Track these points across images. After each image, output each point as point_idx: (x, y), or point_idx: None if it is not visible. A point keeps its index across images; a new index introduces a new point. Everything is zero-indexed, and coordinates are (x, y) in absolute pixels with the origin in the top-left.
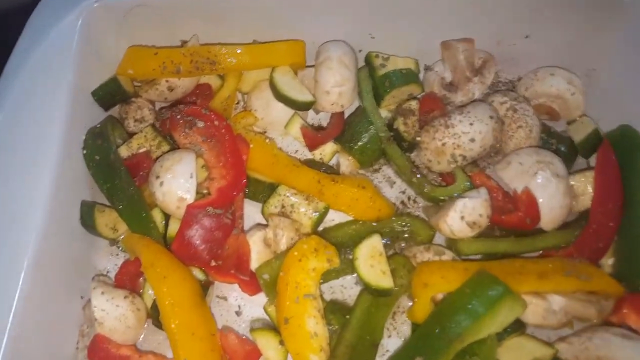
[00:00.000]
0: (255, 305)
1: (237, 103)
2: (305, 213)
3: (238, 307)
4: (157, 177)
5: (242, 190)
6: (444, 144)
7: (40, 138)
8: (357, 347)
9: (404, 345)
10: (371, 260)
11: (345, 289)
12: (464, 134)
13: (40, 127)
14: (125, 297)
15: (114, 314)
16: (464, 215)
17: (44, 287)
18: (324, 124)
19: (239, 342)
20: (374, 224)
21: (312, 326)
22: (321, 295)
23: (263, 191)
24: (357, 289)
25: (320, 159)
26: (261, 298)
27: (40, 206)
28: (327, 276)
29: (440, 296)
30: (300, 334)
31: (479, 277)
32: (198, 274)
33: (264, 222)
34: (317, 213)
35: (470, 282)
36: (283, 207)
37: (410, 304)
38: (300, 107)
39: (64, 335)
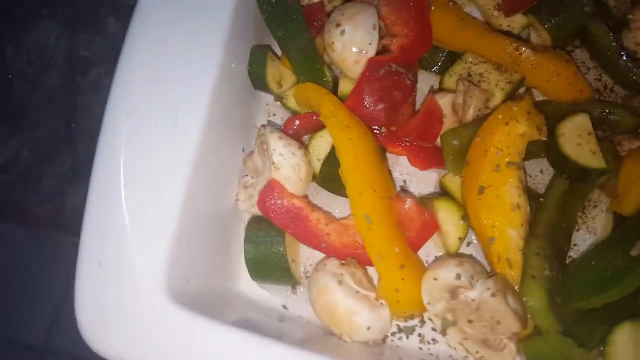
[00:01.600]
0: (422, 182)
1: None
2: (497, 84)
3: (404, 182)
4: (338, 25)
5: (427, 49)
6: None
7: None
8: (554, 229)
9: (619, 231)
10: (578, 139)
11: (530, 177)
12: None
13: None
14: (300, 147)
15: (290, 161)
16: None
17: (215, 134)
18: None
19: (418, 210)
20: (571, 107)
21: (514, 197)
22: (523, 167)
23: (439, 59)
24: (542, 178)
25: (509, 29)
26: (430, 174)
27: (213, 51)
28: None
29: None
30: (500, 205)
31: None
32: None
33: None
34: (511, 84)
35: None
36: (470, 75)
37: (603, 198)
38: None
39: (228, 185)
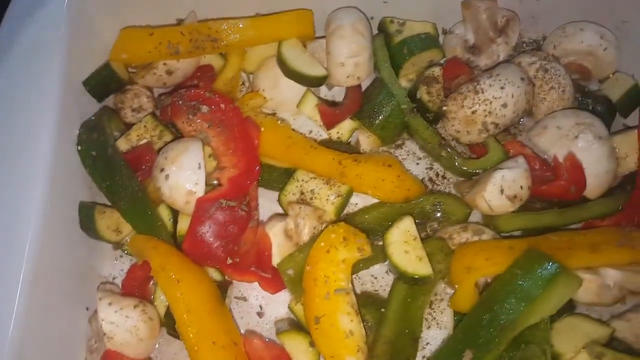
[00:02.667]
0: (278, 304)
1: (242, 84)
2: (327, 198)
3: (260, 307)
4: (162, 169)
5: (256, 179)
6: (474, 112)
7: (30, 136)
8: (396, 342)
9: (450, 338)
10: (405, 246)
11: (376, 279)
12: (495, 100)
13: (29, 123)
14: (135, 306)
15: (124, 326)
16: (504, 188)
17: (44, 300)
18: (338, 100)
19: (265, 347)
20: (403, 205)
21: (347, 324)
22: (353, 289)
23: (278, 178)
24: (389, 279)
25: (338, 138)
26: (284, 295)
27: (34, 211)
28: (355, 267)
29: (482, 280)
30: (334, 334)
31: (528, 255)
32: (214, 274)
33: (280, 211)
34: (340, 197)
35: (519, 262)
36: (302, 193)
37: (449, 290)
38: (312, 82)
39: (71, 352)
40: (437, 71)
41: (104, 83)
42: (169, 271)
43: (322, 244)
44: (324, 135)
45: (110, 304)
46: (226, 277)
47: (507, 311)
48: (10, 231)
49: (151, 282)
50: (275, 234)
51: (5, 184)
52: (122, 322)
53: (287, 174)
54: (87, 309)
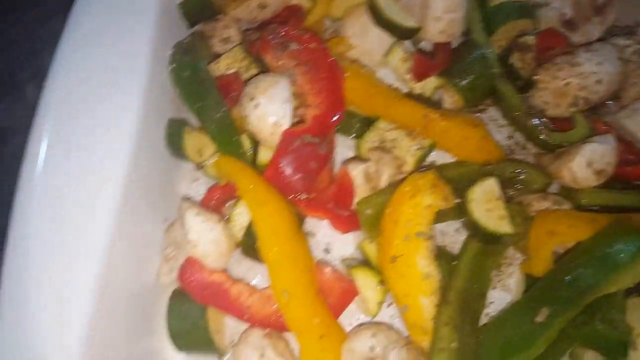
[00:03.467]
0: (345, 244)
1: (324, 31)
2: (409, 149)
3: (326, 244)
4: (252, 99)
5: (340, 120)
6: (567, 84)
7: (127, 52)
8: (466, 294)
9: (526, 296)
10: (487, 204)
11: (445, 236)
12: (591, 74)
13: (127, 40)
14: (219, 220)
15: (208, 237)
16: (592, 161)
17: (132, 209)
18: None
19: (336, 278)
20: (483, 167)
21: (424, 267)
22: (433, 237)
23: (355, 125)
24: (458, 237)
25: (421, 93)
26: (352, 236)
27: (129, 124)
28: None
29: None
30: (411, 275)
31: (617, 226)
32: None
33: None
34: (422, 150)
35: (607, 231)
36: (382, 142)
37: (518, 255)
38: (403, 34)
39: (148, 259)
40: (531, 39)
41: (199, 7)
42: (257, 192)
43: (407, 188)
44: (404, 91)
45: (197, 214)
46: (299, 212)
47: (588, 276)
48: (104, 144)
49: (228, 204)
50: (357, 175)
51: (102, 97)
52: (207, 232)
53: (366, 123)
54: (165, 220)
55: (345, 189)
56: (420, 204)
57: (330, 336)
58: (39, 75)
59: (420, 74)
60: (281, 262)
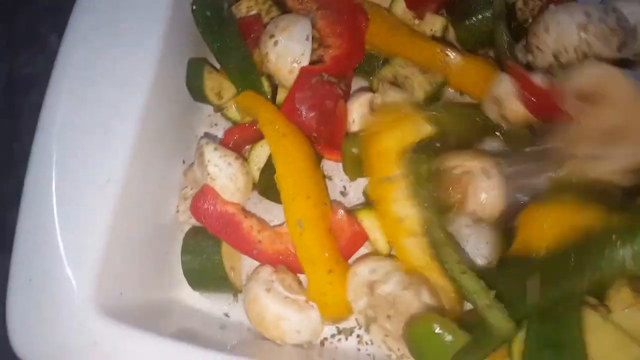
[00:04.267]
0: (361, 187)
1: None
2: (420, 85)
3: (343, 187)
4: (272, 36)
5: (358, 62)
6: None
7: None
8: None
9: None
10: None
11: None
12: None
13: None
14: (237, 158)
15: (226, 171)
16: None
17: (150, 146)
18: None
19: (348, 221)
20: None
21: (399, 210)
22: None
23: (376, 68)
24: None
25: (432, 34)
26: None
27: (147, 67)
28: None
29: None
30: (389, 219)
31: None
32: None
33: None
34: (433, 85)
35: None
36: (395, 78)
37: None
38: None
39: (166, 197)
40: None
41: None
42: (276, 125)
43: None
44: None
45: (215, 149)
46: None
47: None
48: (126, 83)
49: (246, 147)
50: (361, 104)
51: (122, 37)
52: (225, 167)
53: (384, 64)
54: (183, 162)
55: (340, 122)
56: (386, 149)
57: (338, 271)
58: (60, 25)
59: (415, 6)
60: (298, 192)
